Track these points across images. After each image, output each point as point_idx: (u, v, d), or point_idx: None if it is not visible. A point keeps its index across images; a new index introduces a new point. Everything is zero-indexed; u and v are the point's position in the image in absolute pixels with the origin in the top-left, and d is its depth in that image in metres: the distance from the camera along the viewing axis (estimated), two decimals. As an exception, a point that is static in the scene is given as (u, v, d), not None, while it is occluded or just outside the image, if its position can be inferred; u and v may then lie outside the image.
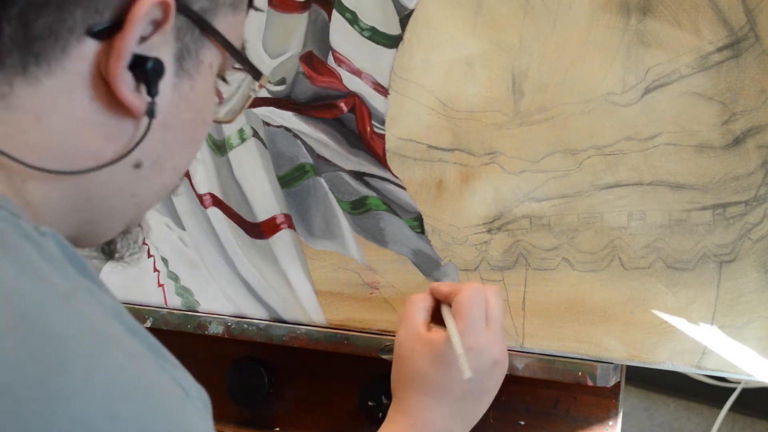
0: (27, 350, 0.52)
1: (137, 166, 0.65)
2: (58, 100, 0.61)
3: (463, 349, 0.85)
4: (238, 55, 0.68)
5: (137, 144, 0.64)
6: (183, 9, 0.63)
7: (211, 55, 0.66)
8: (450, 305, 0.91)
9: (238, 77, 0.74)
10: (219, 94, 0.73)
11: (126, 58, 0.60)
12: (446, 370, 0.87)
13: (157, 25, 0.62)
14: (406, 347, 0.90)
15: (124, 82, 0.61)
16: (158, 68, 0.62)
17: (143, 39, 0.61)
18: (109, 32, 0.60)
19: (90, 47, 0.60)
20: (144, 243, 1.19)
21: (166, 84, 0.64)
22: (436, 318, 0.93)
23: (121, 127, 0.63)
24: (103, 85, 0.61)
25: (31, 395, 0.50)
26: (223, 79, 0.71)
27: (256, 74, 0.71)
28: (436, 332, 0.89)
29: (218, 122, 0.78)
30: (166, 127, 0.65)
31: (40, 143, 0.61)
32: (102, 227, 0.68)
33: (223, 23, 0.66)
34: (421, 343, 0.89)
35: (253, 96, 0.76)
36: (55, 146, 0.62)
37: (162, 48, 0.62)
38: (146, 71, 0.62)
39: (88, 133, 0.62)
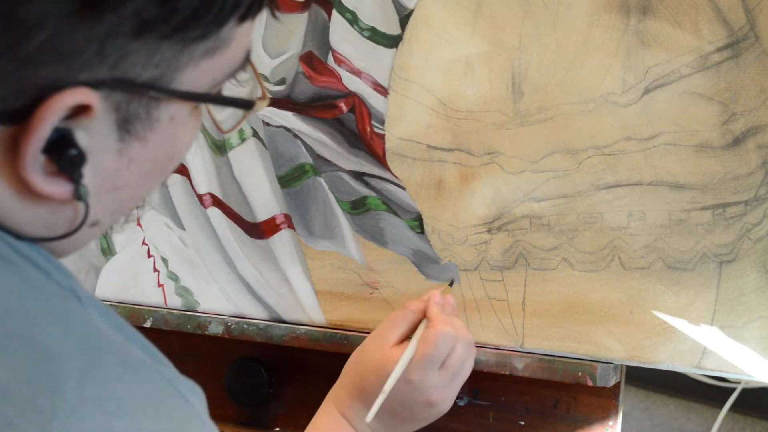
0: (18, 370, 0.51)
1: (94, 224, 0.60)
2: None
3: (391, 387, 0.88)
4: (214, 101, 0.61)
5: (80, 225, 0.58)
6: (120, 87, 0.55)
7: (171, 110, 0.59)
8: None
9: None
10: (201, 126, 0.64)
11: (32, 154, 0.54)
12: (380, 385, 0.89)
13: (81, 108, 0.54)
14: (368, 347, 0.94)
15: (35, 172, 0.55)
16: (76, 160, 0.55)
17: (66, 117, 0.54)
18: (13, 120, 0.54)
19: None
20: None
21: (107, 153, 0.57)
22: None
23: (61, 207, 0.58)
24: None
25: (24, 418, 0.49)
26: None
27: (246, 106, 0.64)
28: (399, 351, 0.91)
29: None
30: (116, 188, 0.59)
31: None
32: (73, 251, 0.64)
33: (191, 74, 0.58)
34: (379, 352, 0.92)
35: (249, 115, 0.68)
36: (8, 222, 0.57)
37: (93, 123, 0.56)
38: (63, 157, 0.55)
39: (34, 211, 0.58)
